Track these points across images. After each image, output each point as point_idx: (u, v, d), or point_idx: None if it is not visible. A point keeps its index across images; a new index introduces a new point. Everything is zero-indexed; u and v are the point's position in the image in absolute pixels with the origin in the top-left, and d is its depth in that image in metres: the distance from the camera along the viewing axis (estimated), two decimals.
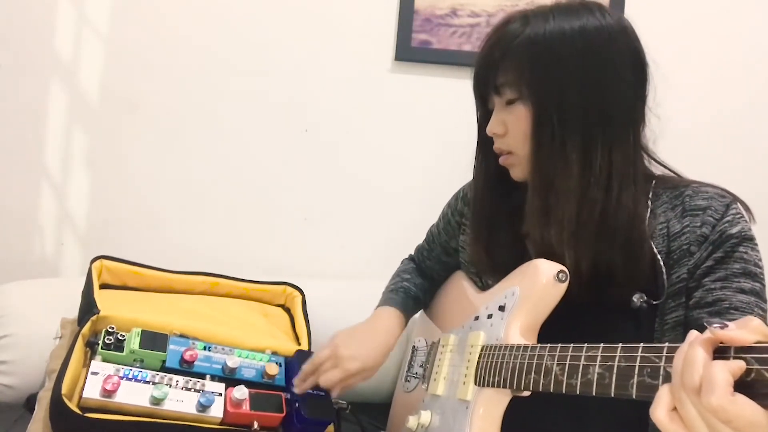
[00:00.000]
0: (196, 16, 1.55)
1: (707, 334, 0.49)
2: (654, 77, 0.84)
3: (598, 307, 0.81)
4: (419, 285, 1.17)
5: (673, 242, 0.81)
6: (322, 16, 1.57)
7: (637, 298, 0.81)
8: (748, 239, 0.80)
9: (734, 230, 0.79)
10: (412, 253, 1.26)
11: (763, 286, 0.79)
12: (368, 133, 1.59)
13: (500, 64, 0.83)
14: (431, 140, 1.59)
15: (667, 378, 0.54)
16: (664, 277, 0.81)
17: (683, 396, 0.48)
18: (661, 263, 0.81)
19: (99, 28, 1.54)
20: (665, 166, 0.88)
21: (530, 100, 0.82)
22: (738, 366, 0.46)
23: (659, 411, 0.49)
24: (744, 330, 0.47)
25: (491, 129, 0.88)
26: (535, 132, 0.82)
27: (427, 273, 1.19)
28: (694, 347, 0.48)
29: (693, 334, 0.50)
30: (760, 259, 0.80)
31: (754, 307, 0.77)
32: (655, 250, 0.82)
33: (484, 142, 0.92)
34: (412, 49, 1.56)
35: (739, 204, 0.82)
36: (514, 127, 0.85)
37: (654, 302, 0.81)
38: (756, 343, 0.47)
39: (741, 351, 0.47)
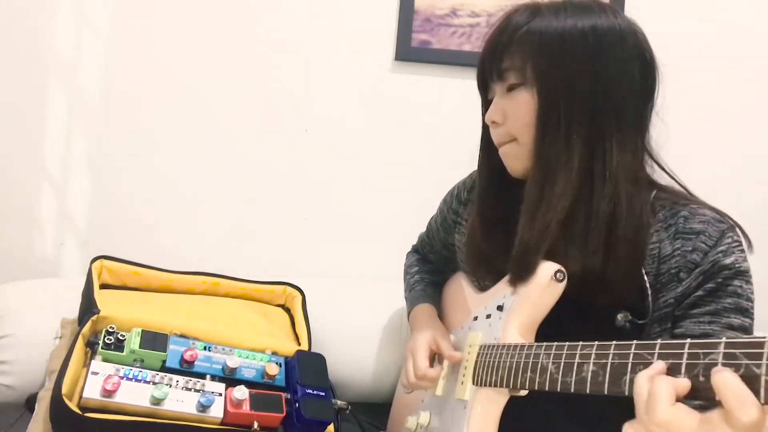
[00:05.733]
0: (196, 17, 1.55)
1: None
2: (663, 82, 0.83)
3: (579, 323, 0.78)
4: (429, 270, 1.18)
5: (662, 264, 0.79)
6: (322, 16, 1.57)
7: (621, 317, 0.79)
8: (742, 272, 0.77)
9: (728, 261, 0.76)
10: (416, 242, 1.26)
11: (752, 321, 0.77)
12: (368, 133, 1.59)
13: (506, 50, 0.83)
14: (431, 140, 1.59)
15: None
16: (649, 299, 0.79)
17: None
18: (647, 285, 0.79)
19: (99, 28, 1.54)
20: (670, 174, 0.86)
21: (536, 86, 0.80)
22: (683, 384, 0.50)
23: None
24: None
25: (490, 116, 0.86)
26: (541, 117, 0.80)
27: (432, 262, 1.21)
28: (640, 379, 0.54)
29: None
30: (752, 293, 0.78)
31: None
32: (643, 270, 0.80)
33: (489, 138, 0.91)
34: (412, 49, 1.56)
35: (737, 231, 0.79)
36: (515, 113, 0.83)
37: (639, 322, 0.79)
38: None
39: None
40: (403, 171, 1.59)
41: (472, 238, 0.96)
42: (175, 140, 1.56)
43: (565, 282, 0.79)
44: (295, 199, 1.59)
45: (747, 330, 0.77)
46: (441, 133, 1.58)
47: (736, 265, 0.77)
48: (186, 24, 1.55)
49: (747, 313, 0.77)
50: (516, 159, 0.86)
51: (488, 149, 0.92)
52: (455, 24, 1.56)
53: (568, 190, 0.78)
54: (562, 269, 0.80)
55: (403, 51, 1.56)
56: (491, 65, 0.85)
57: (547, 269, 0.80)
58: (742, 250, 0.78)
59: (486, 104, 0.90)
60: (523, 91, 0.82)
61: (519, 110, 0.83)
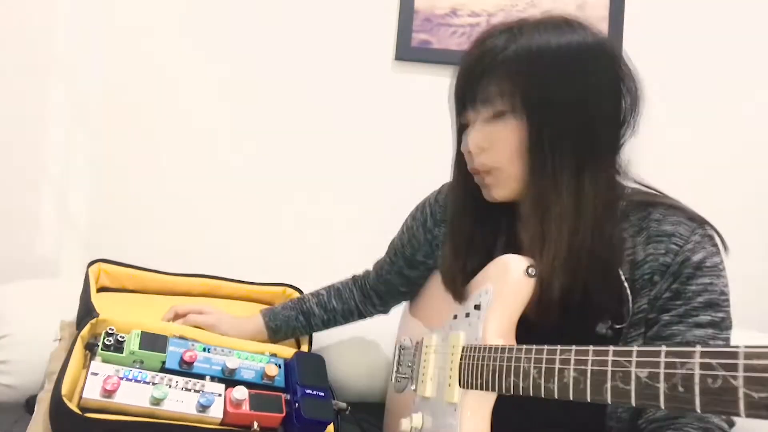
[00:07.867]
0: (195, 17, 1.55)
1: None
2: (643, 97, 0.80)
3: (561, 333, 0.75)
4: (324, 307, 1.14)
5: (636, 270, 0.79)
6: (322, 17, 1.57)
7: (602, 325, 0.79)
8: (710, 267, 0.76)
9: (696, 258, 0.76)
10: (358, 274, 1.21)
11: (727, 314, 0.77)
12: (368, 133, 1.59)
13: (488, 74, 0.79)
14: (431, 140, 1.59)
15: (639, 383, 0.53)
16: (630, 304, 0.79)
17: None
18: (628, 291, 0.79)
19: (99, 28, 1.54)
20: (643, 184, 0.84)
21: (525, 115, 0.78)
22: None
23: None
24: None
25: (475, 142, 0.82)
26: (532, 149, 0.78)
27: (374, 290, 1.16)
28: None
29: None
30: (725, 285, 0.77)
31: (709, 341, 0.75)
32: (623, 277, 0.79)
33: (464, 162, 0.88)
34: (412, 49, 1.56)
35: (707, 228, 0.79)
36: (501, 142, 0.80)
37: (618, 326, 0.79)
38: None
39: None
40: (402, 171, 1.59)
41: (448, 262, 0.93)
42: (175, 140, 1.56)
43: (536, 277, 0.79)
44: (294, 199, 1.59)
45: (718, 325, 0.76)
46: (441, 133, 1.57)
47: (705, 261, 0.76)
48: (186, 24, 1.55)
49: (718, 307, 0.76)
50: (497, 188, 0.84)
51: (464, 172, 0.89)
52: (455, 24, 1.56)
53: (564, 225, 0.77)
54: (533, 264, 0.80)
55: (403, 51, 1.56)
56: (473, 92, 0.82)
57: (518, 265, 0.81)
58: (714, 245, 0.78)
59: (459, 129, 0.87)
60: (512, 119, 0.79)
61: (505, 139, 0.80)
